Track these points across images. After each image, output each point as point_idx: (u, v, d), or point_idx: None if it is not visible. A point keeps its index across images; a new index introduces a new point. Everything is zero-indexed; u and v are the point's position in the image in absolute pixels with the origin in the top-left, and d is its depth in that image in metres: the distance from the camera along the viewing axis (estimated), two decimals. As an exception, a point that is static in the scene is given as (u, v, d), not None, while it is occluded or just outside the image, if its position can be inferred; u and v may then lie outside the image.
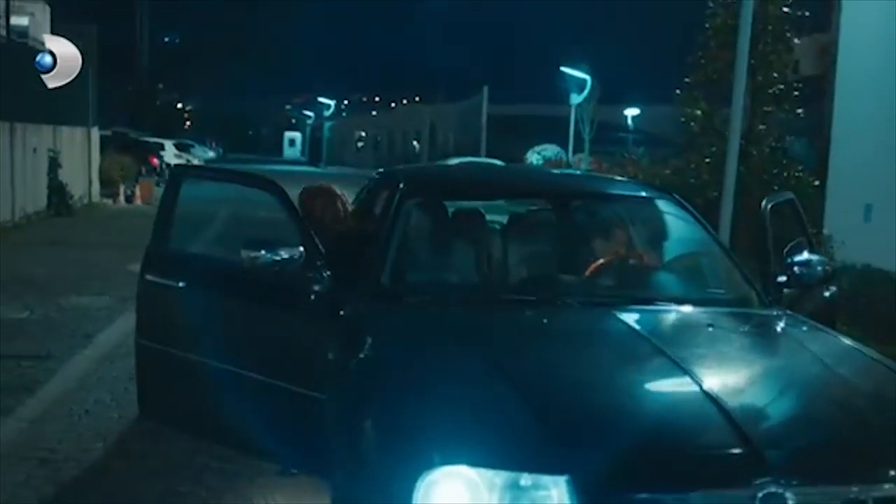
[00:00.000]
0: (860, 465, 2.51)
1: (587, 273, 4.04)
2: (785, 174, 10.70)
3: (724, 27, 11.47)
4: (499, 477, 2.39)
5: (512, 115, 42.96)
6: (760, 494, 2.35)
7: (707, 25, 11.91)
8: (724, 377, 2.95)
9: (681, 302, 3.74)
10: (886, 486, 2.45)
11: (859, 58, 8.42)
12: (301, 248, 3.75)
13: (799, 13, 10.97)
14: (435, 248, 4.09)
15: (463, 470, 2.39)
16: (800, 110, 10.70)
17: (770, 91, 11.01)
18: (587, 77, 29.83)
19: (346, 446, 2.75)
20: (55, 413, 5.53)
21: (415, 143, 57.38)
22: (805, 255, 4.27)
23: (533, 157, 32.96)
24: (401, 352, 3.03)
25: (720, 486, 2.40)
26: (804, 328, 3.70)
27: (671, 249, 4.29)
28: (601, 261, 4.10)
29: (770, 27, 11.19)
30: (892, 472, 2.48)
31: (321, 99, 62.09)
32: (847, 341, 3.61)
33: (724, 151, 10.86)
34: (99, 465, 4.75)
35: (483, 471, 2.39)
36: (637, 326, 3.34)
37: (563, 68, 30.33)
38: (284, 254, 3.69)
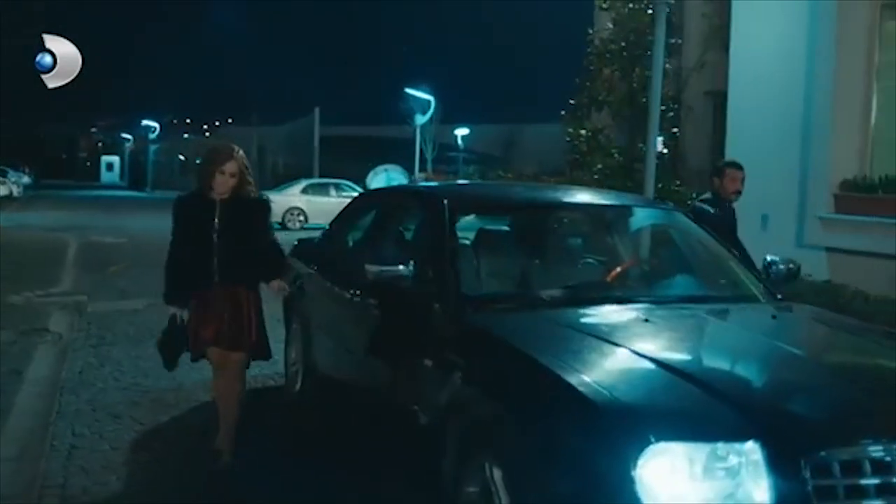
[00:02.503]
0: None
1: (616, 276, 4.49)
2: (662, 186, 11.67)
3: (605, 51, 12.32)
4: (701, 448, 2.75)
5: (348, 136, 43.25)
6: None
7: (588, 50, 12.72)
8: (820, 354, 3.46)
9: (726, 300, 4.28)
10: None
11: (751, 75, 9.20)
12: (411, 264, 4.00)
13: (672, 40, 11.96)
14: (505, 258, 4.40)
15: (673, 445, 2.74)
16: (675, 129, 11.68)
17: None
18: (431, 98, 30.62)
19: (539, 444, 3.00)
20: (39, 452, 5.13)
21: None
22: (770, 257, 4.89)
23: (374, 178, 33.32)
24: (558, 352, 3.33)
25: (880, 438, 2.83)
26: (822, 314, 4.34)
27: (690, 255, 4.79)
28: (625, 265, 4.58)
29: (649, 52, 12.11)
30: None
31: (146, 121, 60.06)
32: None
33: (611, 167, 11.69)
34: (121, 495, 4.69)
35: (688, 444, 2.75)
36: (720, 319, 3.81)
37: (407, 89, 30.96)
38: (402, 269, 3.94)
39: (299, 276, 6.45)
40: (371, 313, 4.62)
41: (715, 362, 3.41)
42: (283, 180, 33.53)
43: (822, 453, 2.76)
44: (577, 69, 13.12)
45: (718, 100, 14.53)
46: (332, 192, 27.30)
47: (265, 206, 4.93)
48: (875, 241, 7.76)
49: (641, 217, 5.06)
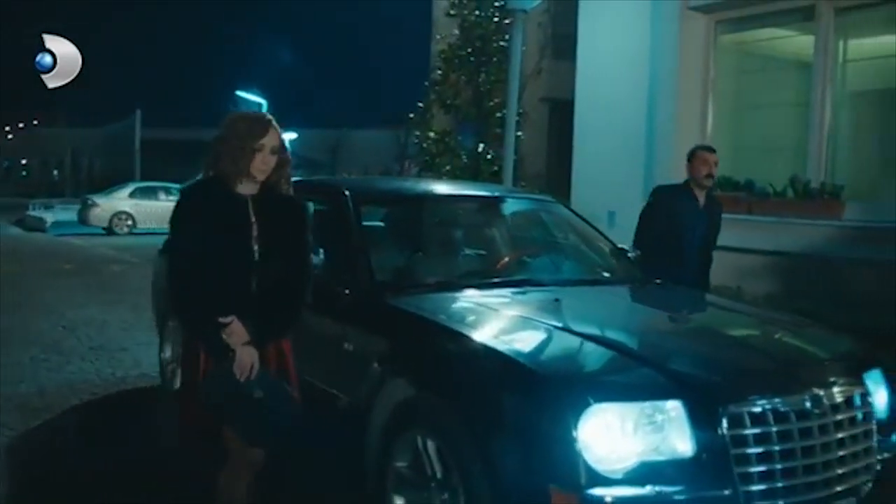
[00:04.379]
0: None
1: (508, 263, 4.82)
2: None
3: (452, 56, 12.72)
4: (632, 408, 3.08)
5: (173, 140, 42.11)
6: (807, 396, 3.25)
7: (442, 55, 13.08)
8: (717, 325, 3.89)
9: (621, 281, 4.69)
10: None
11: (597, 82, 9.76)
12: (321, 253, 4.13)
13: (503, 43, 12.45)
14: (412, 246, 4.62)
15: (608, 406, 3.05)
16: (519, 133, 12.19)
17: (498, 115, 12.45)
18: (262, 101, 30.34)
19: (487, 411, 3.23)
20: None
21: (55, 171, 53.98)
22: (619, 245, 5.37)
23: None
24: (488, 329, 3.57)
25: (780, 394, 3.25)
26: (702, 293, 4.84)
27: (580, 242, 5.18)
28: (516, 252, 4.92)
29: (495, 58, 12.64)
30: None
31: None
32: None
33: (460, 169, 12.10)
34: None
35: (621, 404, 3.08)
36: (622, 298, 4.19)
37: (238, 92, 30.56)
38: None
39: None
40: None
41: (631, 333, 3.80)
42: (101, 184, 32.28)
43: (734, 408, 3.13)
44: (410, 75, 13.52)
45: (554, 106, 15.29)
46: (162, 195, 26.57)
47: (305, 212, 3.64)
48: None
49: (535, 208, 5.43)
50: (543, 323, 3.65)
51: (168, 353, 6.40)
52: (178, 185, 27.65)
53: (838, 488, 3.30)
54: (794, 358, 3.76)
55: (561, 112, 13.04)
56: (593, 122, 9.80)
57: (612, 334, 3.63)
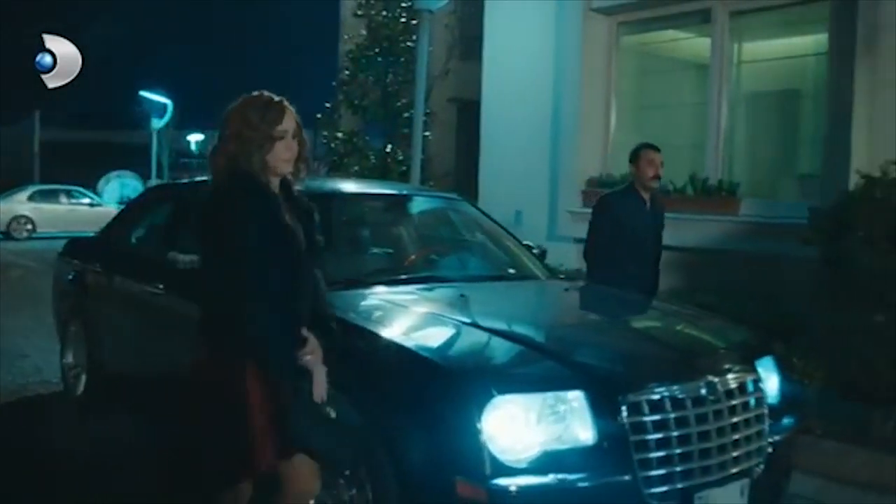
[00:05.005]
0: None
1: (416, 260, 4.87)
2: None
3: (360, 57, 12.72)
4: (535, 399, 3.15)
5: (75, 141, 40.96)
6: (703, 383, 3.38)
7: (350, 55, 13.05)
8: (616, 318, 4.00)
9: (524, 277, 4.78)
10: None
11: (503, 82, 9.87)
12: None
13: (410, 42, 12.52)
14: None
15: (512, 398, 3.12)
16: (427, 133, 12.27)
17: (406, 115, 12.49)
18: (168, 102, 29.75)
19: (393, 406, 3.27)
20: None
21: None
22: (524, 242, 5.49)
23: (106, 185, 31.90)
24: (396, 325, 3.61)
25: (677, 382, 3.37)
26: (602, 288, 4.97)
27: (486, 239, 5.26)
28: (424, 250, 4.99)
29: (402, 59, 12.68)
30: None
31: None
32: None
33: (368, 169, 12.11)
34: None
35: (525, 395, 3.15)
36: (525, 293, 4.27)
37: (142, 92, 29.86)
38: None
39: (77, 276, 6.29)
40: (181, 305, 4.65)
41: (535, 327, 3.88)
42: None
43: (633, 396, 3.24)
44: (319, 75, 13.49)
45: (461, 106, 15.41)
46: (63, 198, 25.88)
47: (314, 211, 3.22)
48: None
49: (442, 206, 5.49)
50: (449, 318, 3.71)
51: (70, 359, 6.27)
52: (81, 189, 27.11)
53: (732, 470, 3.43)
54: (691, 347, 3.91)
55: (469, 112, 13.15)
56: (499, 123, 9.92)
57: (516, 328, 3.70)
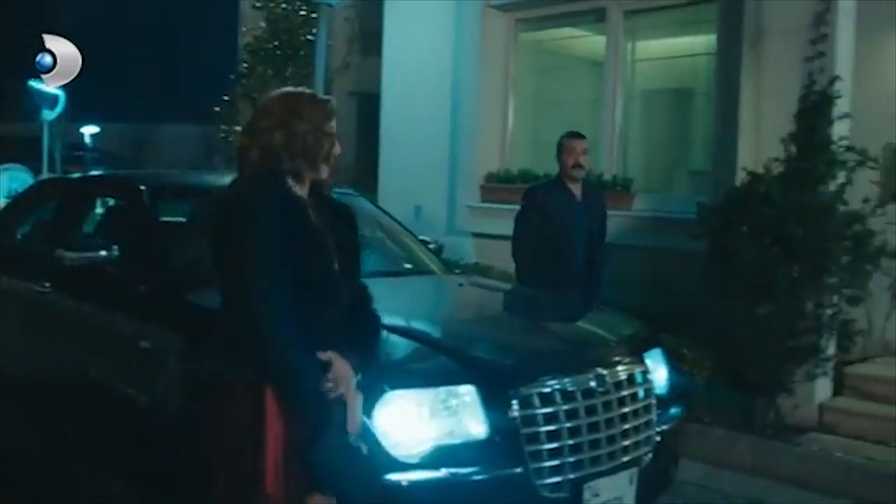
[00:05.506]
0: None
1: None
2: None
3: (259, 49, 12.53)
4: (427, 393, 3.18)
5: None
6: (592, 375, 3.46)
7: (248, 48, 12.83)
8: (510, 312, 4.05)
9: (418, 272, 4.80)
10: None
11: (403, 76, 9.84)
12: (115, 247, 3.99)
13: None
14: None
15: (404, 393, 3.14)
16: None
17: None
18: (59, 93, 28.61)
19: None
20: None
21: None
22: (421, 237, 5.51)
23: (-5, 177, 30.51)
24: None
25: (567, 374, 3.43)
26: (496, 283, 5.02)
27: (380, 235, 5.24)
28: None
29: (302, 52, 12.54)
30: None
31: None
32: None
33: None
34: None
35: (417, 391, 3.17)
36: (420, 288, 4.29)
37: (31, 83, 28.64)
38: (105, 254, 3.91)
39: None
40: (68, 303, 4.52)
41: (429, 322, 3.91)
42: None
43: (525, 389, 3.29)
44: (220, 68, 13.22)
45: (362, 100, 15.33)
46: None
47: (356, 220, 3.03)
48: (512, 225, 8.76)
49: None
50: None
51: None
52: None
53: (622, 460, 3.53)
54: (581, 340, 4.00)
55: (369, 106, 13.10)
56: (399, 118, 9.90)
57: (409, 324, 3.71)
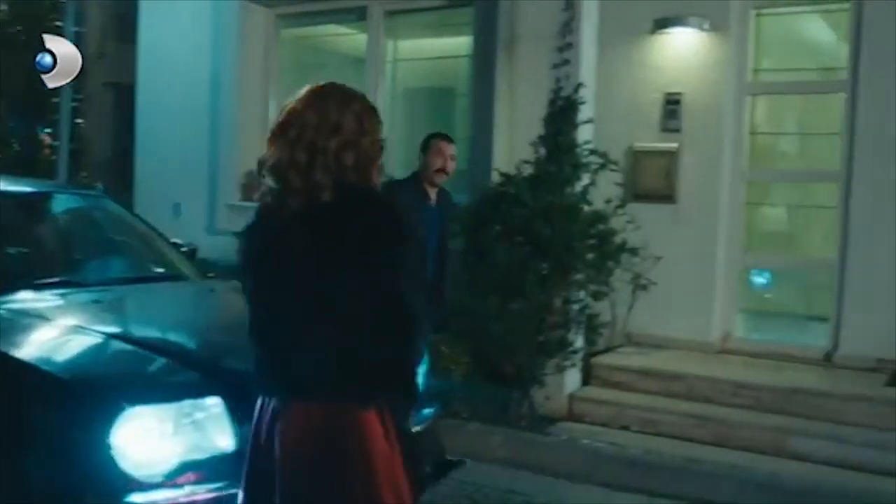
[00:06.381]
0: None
1: (48, 264, 4.55)
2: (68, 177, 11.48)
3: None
4: (169, 408, 3.05)
5: None
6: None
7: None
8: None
9: (167, 278, 4.59)
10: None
11: (160, 69, 9.39)
12: None
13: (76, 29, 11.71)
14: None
15: (144, 409, 2.99)
16: (80, 119, 11.51)
17: (55, 100, 11.58)
18: None
19: (17, 425, 2.99)
20: None
21: None
22: (174, 240, 5.34)
23: None
24: (17, 337, 3.30)
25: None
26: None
27: (128, 239, 4.99)
28: (58, 253, 4.66)
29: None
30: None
31: None
32: None
33: (11, 157, 11.16)
34: None
35: (157, 406, 3.03)
36: (167, 296, 4.10)
37: None
38: None
39: None
40: None
41: (174, 332, 3.73)
42: None
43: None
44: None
45: (120, 91, 14.58)
46: None
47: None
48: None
49: (84, 204, 5.11)
50: (80, 327, 3.48)
51: None
52: None
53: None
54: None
55: (127, 98, 12.49)
56: (156, 111, 9.50)
57: (152, 334, 3.56)
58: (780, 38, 7.29)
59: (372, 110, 2.46)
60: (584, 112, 6.10)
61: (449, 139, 5.37)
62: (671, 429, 5.74)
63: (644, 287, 6.35)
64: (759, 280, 7.31)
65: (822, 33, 7.33)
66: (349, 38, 9.23)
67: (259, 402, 2.45)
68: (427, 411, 4.09)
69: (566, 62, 6.18)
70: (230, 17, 8.89)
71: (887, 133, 6.18)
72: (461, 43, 8.13)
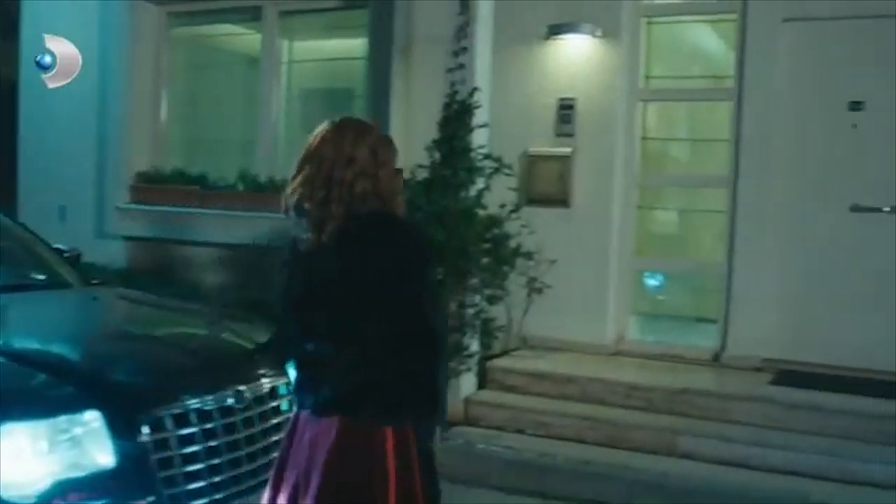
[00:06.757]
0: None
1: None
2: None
3: None
4: (43, 425, 2.91)
5: None
6: (230, 392, 3.35)
7: None
8: (144, 328, 3.82)
9: (46, 287, 4.39)
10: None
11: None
12: None
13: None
14: None
15: (14, 426, 2.85)
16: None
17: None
18: None
19: None
20: None
21: None
22: (56, 245, 5.16)
23: None
24: None
25: (202, 393, 3.30)
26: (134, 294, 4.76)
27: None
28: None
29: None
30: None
31: None
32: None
33: None
34: None
35: (30, 423, 2.89)
36: (45, 305, 3.92)
37: None
38: None
39: None
40: None
41: (49, 344, 3.56)
42: None
43: (156, 412, 3.11)
44: None
45: (2, 89, 14.01)
46: None
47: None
48: (166, 228, 8.37)
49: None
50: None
51: None
52: None
53: (263, 477, 3.43)
54: (219, 355, 3.86)
55: (11, 96, 12.00)
56: (41, 110, 9.10)
57: (27, 345, 3.41)
58: (670, 46, 7.45)
59: (387, 142, 2.62)
60: (479, 116, 6.11)
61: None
62: (565, 431, 5.79)
63: (539, 290, 6.40)
64: (653, 282, 7.46)
65: (711, 42, 7.51)
66: (244, 37, 9.05)
67: (294, 412, 2.62)
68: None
69: (461, 66, 6.18)
70: (118, 13, 8.62)
71: (771, 140, 6.38)
72: (357, 45, 8.06)
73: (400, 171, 2.70)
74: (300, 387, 2.58)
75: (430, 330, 2.46)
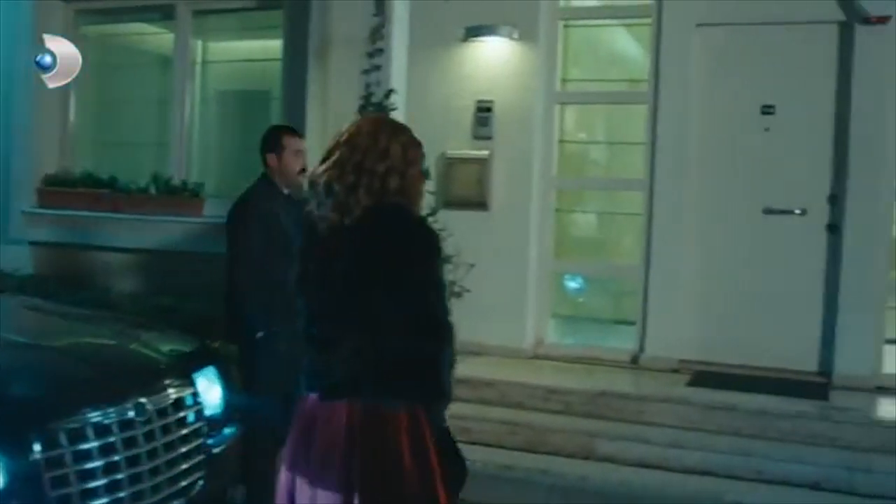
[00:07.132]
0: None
1: None
2: None
3: None
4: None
5: None
6: (131, 404, 3.21)
7: None
8: (40, 337, 3.64)
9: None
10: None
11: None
12: None
13: None
14: None
15: None
16: None
17: None
18: None
19: None
20: None
21: None
22: None
23: None
24: None
25: (101, 406, 3.15)
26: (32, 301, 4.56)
27: None
28: None
29: None
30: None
31: None
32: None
33: None
34: None
35: None
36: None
37: None
38: None
39: None
40: None
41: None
42: None
43: (50, 427, 2.95)
44: None
45: None
46: None
47: None
48: (75, 233, 8.11)
49: None
50: None
51: None
52: None
53: (168, 492, 3.31)
54: (120, 365, 3.69)
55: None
56: None
57: None
58: (587, 49, 7.49)
59: (417, 143, 2.73)
60: (396, 118, 6.03)
61: (301, 135, 4.90)
62: (485, 436, 5.74)
63: (458, 294, 6.33)
64: (573, 285, 7.47)
65: (627, 46, 7.57)
66: (156, 37, 8.84)
67: (304, 394, 2.64)
68: (227, 431, 3.90)
69: (377, 68, 6.11)
70: (22, 11, 8.30)
71: (685, 144, 6.44)
72: (273, 46, 7.92)
73: (426, 173, 2.86)
74: (309, 369, 2.63)
75: (436, 317, 2.56)
